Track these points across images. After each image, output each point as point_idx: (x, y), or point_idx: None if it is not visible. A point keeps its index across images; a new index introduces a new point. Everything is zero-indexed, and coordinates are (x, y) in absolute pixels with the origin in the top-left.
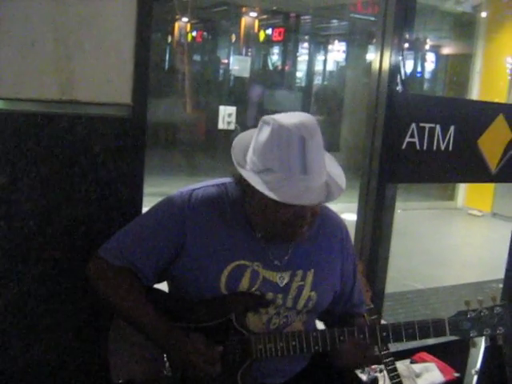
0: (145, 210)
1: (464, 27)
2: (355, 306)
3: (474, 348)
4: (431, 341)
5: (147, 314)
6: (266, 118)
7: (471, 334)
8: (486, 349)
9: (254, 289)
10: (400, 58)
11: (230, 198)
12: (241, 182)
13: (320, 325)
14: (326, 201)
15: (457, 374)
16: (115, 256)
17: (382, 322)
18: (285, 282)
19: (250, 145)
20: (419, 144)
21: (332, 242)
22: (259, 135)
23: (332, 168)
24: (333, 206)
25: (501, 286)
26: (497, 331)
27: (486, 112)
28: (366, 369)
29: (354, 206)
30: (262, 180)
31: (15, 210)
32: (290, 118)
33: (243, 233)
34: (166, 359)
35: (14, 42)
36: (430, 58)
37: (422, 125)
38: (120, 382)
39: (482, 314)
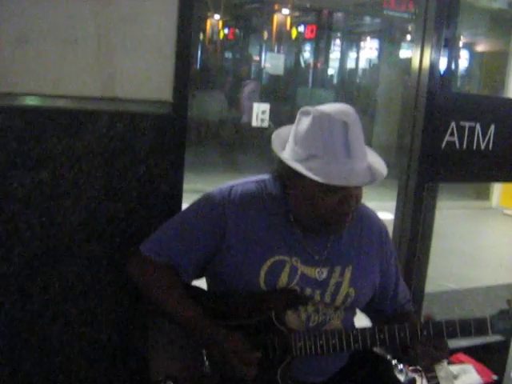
0: (183, 206)
1: (500, 24)
2: (402, 305)
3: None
4: (469, 342)
5: (189, 310)
6: (304, 109)
7: None
8: None
9: (292, 284)
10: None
11: (269, 193)
12: (281, 176)
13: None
14: (371, 183)
15: (495, 377)
16: (156, 252)
17: None
18: (323, 277)
19: (289, 137)
20: (459, 143)
21: (371, 239)
22: (299, 125)
23: (371, 156)
24: (366, 205)
25: None
26: None
27: None
28: (404, 369)
29: (388, 204)
30: (307, 167)
31: (57, 206)
32: (330, 107)
33: (282, 228)
34: (205, 357)
35: (57, 39)
36: (464, 55)
37: (461, 124)
38: (160, 379)
39: None
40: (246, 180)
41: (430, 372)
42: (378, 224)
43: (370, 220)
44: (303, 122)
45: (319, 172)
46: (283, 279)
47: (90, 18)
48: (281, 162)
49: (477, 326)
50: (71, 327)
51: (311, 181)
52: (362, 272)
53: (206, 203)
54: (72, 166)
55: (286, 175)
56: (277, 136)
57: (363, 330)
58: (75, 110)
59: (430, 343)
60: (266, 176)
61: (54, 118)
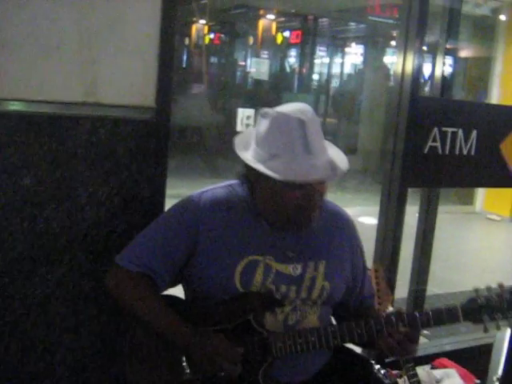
0: None
1: (483, 30)
2: (366, 298)
3: (486, 333)
4: (452, 346)
5: (168, 317)
6: (263, 111)
7: (483, 320)
8: (508, 355)
9: (267, 283)
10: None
11: (238, 196)
12: (248, 177)
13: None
14: (333, 177)
15: (478, 381)
16: (131, 262)
17: None
18: (298, 272)
19: (251, 140)
20: (441, 148)
21: (340, 234)
22: (259, 127)
23: (332, 151)
24: (350, 210)
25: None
26: (508, 316)
27: (509, 116)
28: (386, 373)
29: (372, 209)
30: (269, 167)
31: (39, 211)
32: (287, 107)
33: (253, 229)
34: (185, 363)
35: (40, 44)
36: (448, 61)
37: (444, 129)
38: None
39: (491, 299)
40: (215, 186)
41: (407, 368)
42: (345, 218)
43: (337, 215)
44: (263, 124)
45: (280, 170)
46: (258, 278)
47: (72, 23)
48: (245, 164)
49: (448, 314)
50: (53, 334)
51: (274, 179)
52: (335, 266)
53: (177, 211)
54: (54, 172)
55: (251, 176)
56: (240, 139)
57: (341, 325)
58: (58, 116)
59: (402, 335)
60: (233, 181)
61: (37, 123)
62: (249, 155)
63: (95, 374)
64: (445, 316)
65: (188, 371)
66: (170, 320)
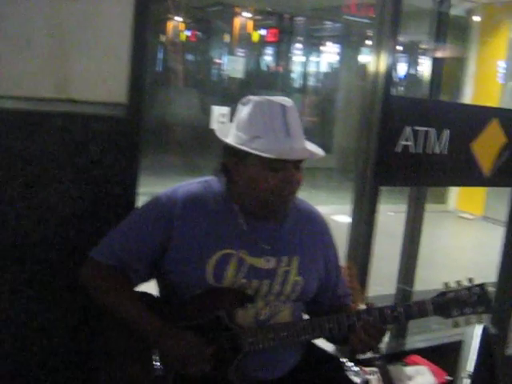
0: None
1: (457, 31)
2: (341, 297)
3: (455, 327)
4: (423, 344)
5: (140, 312)
6: (244, 98)
7: (452, 314)
8: (478, 352)
9: (239, 277)
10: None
11: (213, 191)
12: (227, 166)
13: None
14: (311, 157)
15: (448, 377)
16: (105, 256)
17: None
18: (271, 265)
19: (231, 129)
20: (414, 147)
21: (313, 233)
22: (240, 114)
23: (307, 143)
24: (324, 208)
25: (492, 289)
26: (477, 309)
27: (481, 116)
28: (359, 371)
29: (346, 207)
30: (251, 147)
31: (9, 208)
32: (269, 96)
33: (228, 223)
34: (156, 360)
35: (10, 39)
36: (425, 61)
37: (416, 128)
38: None
39: (461, 293)
40: (190, 182)
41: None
42: (319, 219)
43: (311, 215)
44: (244, 110)
45: (262, 149)
46: (230, 273)
47: (42, 18)
48: (224, 152)
49: (418, 309)
50: (22, 333)
51: (254, 161)
52: (308, 262)
53: (152, 206)
54: (25, 168)
55: (229, 163)
56: (220, 129)
57: (312, 320)
58: (29, 112)
59: (370, 329)
60: (209, 177)
61: (7, 119)
62: (229, 139)
63: (68, 372)
64: (415, 310)
65: (160, 368)
66: (142, 315)
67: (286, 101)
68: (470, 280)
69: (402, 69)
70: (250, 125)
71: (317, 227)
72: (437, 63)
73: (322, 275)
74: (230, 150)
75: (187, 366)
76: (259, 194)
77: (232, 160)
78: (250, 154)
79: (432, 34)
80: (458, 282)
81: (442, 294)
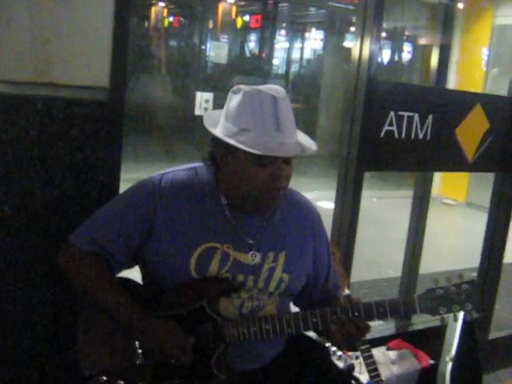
0: None
1: (441, 18)
2: (331, 290)
3: (446, 323)
4: (407, 328)
5: (119, 300)
6: (235, 87)
7: (440, 311)
8: (461, 336)
9: (223, 271)
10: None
11: (201, 180)
12: (214, 155)
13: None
14: (302, 154)
15: (432, 361)
16: (86, 241)
17: None
18: (256, 261)
19: (220, 118)
20: (397, 132)
21: (304, 225)
22: (230, 103)
23: (300, 135)
24: (309, 194)
25: (474, 274)
26: (465, 307)
27: (464, 101)
28: (343, 356)
29: (330, 194)
30: (239, 141)
31: None
32: (260, 86)
33: (214, 214)
34: (138, 348)
35: None
36: (407, 48)
37: (400, 113)
38: (92, 373)
39: (450, 291)
40: (177, 168)
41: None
42: (311, 210)
43: (302, 206)
44: (234, 99)
45: (250, 144)
46: (214, 266)
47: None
48: (213, 142)
49: (405, 307)
50: (5, 318)
51: (243, 155)
52: (295, 257)
53: (136, 191)
54: (6, 153)
55: (218, 154)
56: (208, 116)
57: (296, 314)
58: (9, 95)
59: (353, 323)
60: (198, 164)
61: None
62: (217, 131)
63: (50, 358)
64: (402, 308)
65: (141, 356)
66: (122, 303)
67: (278, 91)
68: (460, 276)
69: (385, 55)
70: (238, 116)
71: (308, 219)
72: (443, 51)
73: (309, 270)
74: (218, 140)
75: (168, 356)
76: (247, 188)
77: (220, 151)
78: (238, 147)
79: (415, 20)
80: (448, 278)
81: (431, 290)
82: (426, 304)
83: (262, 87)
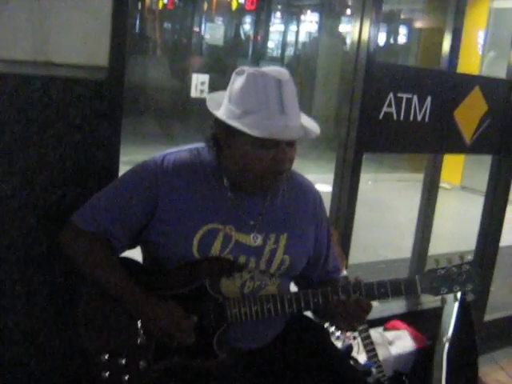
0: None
1: (436, 1)
2: (331, 272)
3: (445, 304)
4: (404, 309)
5: (121, 281)
6: (239, 69)
7: (441, 292)
8: (458, 317)
9: (225, 252)
10: None
11: (203, 161)
12: (216, 137)
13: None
14: (306, 137)
15: (428, 342)
16: (88, 222)
17: None
18: (258, 242)
19: (224, 99)
20: (396, 114)
21: (305, 207)
22: (234, 85)
23: (304, 119)
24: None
25: (470, 257)
26: (466, 288)
27: (463, 84)
28: (341, 336)
29: (327, 176)
30: (242, 123)
31: None
32: (265, 67)
33: (216, 196)
34: (139, 327)
35: None
36: (403, 31)
37: (399, 95)
38: (94, 353)
39: (451, 271)
40: (180, 148)
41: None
42: (313, 192)
43: (304, 188)
44: (238, 81)
45: (254, 127)
46: (216, 248)
47: None
48: (215, 123)
49: (407, 286)
50: (4, 299)
51: (246, 138)
52: (297, 239)
53: (139, 172)
54: (4, 133)
55: (220, 136)
56: (211, 98)
57: (297, 293)
58: (7, 75)
59: (355, 304)
60: (200, 144)
61: None
62: (220, 113)
63: (49, 339)
64: (403, 288)
65: (142, 335)
66: (123, 284)
67: (282, 73)
68: (461, 257)
69: (381, 38)
70: (242, 98)
71: (309, 201)
72: (455, 35)
73: (310, 251)
74: (221, 122)
75: (169, 337)
76: (249, 171)
77: (223, 133)
78: (242, 130)
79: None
80: (449, 259)
81: (432, 271)
82: (427, 284)
83: (266, 69)
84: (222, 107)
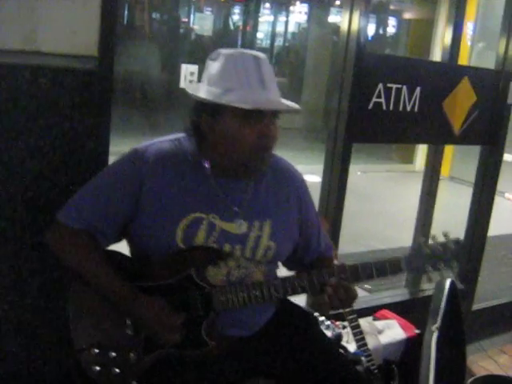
0: None
1: None
2: (323, 252)
3: (429, 282)
4: (393, 299)
5: (109, 278)
6: (212, 53)
7: (426, 269)
8: (447, 306)
9: (210, 241)
10: None
11: (185, 150)
12: (196, 125)
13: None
14: (288, 108)
15: (417, 331)
16: (73, 219)
17: None
18: (243, 230)
19: (202, 85)
20: (386, 105)
21: (288, 191)
22: (210, 68)
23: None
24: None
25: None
26: (451, 264)
27: (452, 74)
28: (331, 325)
29: (315, 167)
30: (226, 100)
31: None
32: (239, 49)
33: (199, 185)
34: (128, 320)
35: None
36: (392, 22)
37: (389, 85)
38: (83, 347)
39: (436, 249)
40: (161, 139)
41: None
42: (295, 175)
43: (286, 172)
44: (215, 64)
45: (238, 101)
46: (200, 237)
47: None
48: (196, 110)
49: (391, 266)
50: None
51: (229, 116)
52: (281, 225)
53: (120, 165)
54: None
55: (204, 120)
56: (189, 87)
57: (283, 279)
58: None
59: (341, 287)
60: (181, 134)
61: None
62: (202, 94)
63: (39, 330)
64: (388, 267)
65: (131, 328)
66: (111, 282)
67: (259, 53)
68: (445, 235)
69: (370, 29)
70: (222, 78)
71: (293, 185)
72: (457, 27)
73: (296, 236)
74: (201, 107)
75: (157, 336)
76: (235, 151)
77: (204, 117)
78: (224, 108)
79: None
80: (433, 237)
81: (417, 249)
82: (412, 262)
83: (242, 50)
84: (202, 91)
